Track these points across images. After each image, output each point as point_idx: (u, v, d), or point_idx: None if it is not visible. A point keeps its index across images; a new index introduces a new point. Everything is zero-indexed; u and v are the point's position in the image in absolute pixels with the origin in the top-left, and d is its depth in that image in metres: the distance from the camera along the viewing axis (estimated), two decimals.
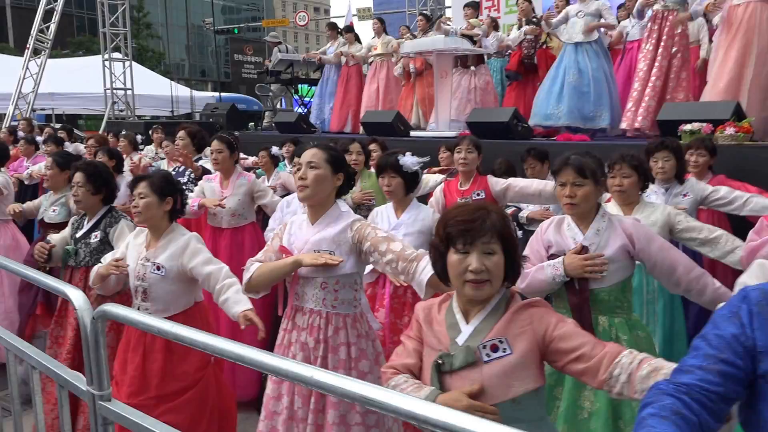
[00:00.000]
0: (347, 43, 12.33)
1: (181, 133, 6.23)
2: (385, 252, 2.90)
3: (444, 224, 2.18)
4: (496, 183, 5.08)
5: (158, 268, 3.53)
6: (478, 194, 5.04)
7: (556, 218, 3.36)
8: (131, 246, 3.73)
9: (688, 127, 5.98)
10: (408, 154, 4.31)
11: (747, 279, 2.65)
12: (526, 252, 3.26)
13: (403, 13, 22.45)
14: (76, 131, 14.90)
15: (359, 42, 12.45)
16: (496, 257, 2.12)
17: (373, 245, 2.93)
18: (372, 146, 6.42)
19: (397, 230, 4.21)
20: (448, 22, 11.10)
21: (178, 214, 3.78)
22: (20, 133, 10.85)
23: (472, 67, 10.00)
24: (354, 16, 22.11)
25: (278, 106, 15.50)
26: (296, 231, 3.12)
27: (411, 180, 4.31)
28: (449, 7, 19.39)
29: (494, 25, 10.75)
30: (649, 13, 7.92)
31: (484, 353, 2.11)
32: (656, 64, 7.70)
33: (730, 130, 5.75)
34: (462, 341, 2.16)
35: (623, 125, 7.93)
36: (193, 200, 5.22)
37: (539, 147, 5.97)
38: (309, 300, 3.01)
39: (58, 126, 14.09)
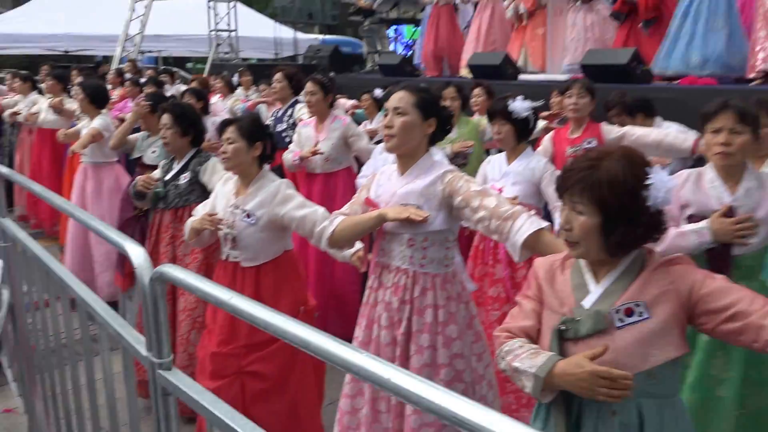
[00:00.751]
0: None
1: (278, 75, 6.17)
2: (478, 208, 2.63)
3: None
4: (610, 131, 4.82)
5: (248, 216, 3.41)
6: (589, 142, 4.80)
7: (693, 173, 2.98)
8: (219, 194, 3.63)
9: None
10: (519, 98, 4.07)
11: None
12: None
13: None
14: (183, 73, 15.15)
15: None
16: (582, 219, 1.90)
17: (464, 200, 2.67)
18: (476, 91, 6.22)
19: (507, 178, 4.11)
20: None
21: (268, 159, 3.63)
22: (126, 75, 11.06)
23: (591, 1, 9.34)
24: None
25: (384, 48, 15.21)
26: (385, 182, 2.90)
27: (522, 126, 4.10)
28: None
29: None
30: None
31: (617, 318, 1.89)
32: None
33: None
34: (590, 304, 1.95)
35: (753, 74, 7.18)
36: (294, 153, 5.20)
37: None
38: (395, 257, 2.79)
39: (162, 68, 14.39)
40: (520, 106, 4.03)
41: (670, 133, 4.79)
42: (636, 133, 4.73)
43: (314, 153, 5.10)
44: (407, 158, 2.83)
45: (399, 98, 2.79)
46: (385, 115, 2.81)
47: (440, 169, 2.79)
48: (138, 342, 2.00)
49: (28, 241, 3.03)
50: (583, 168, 1.91)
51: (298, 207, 3.37)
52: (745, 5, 8.06)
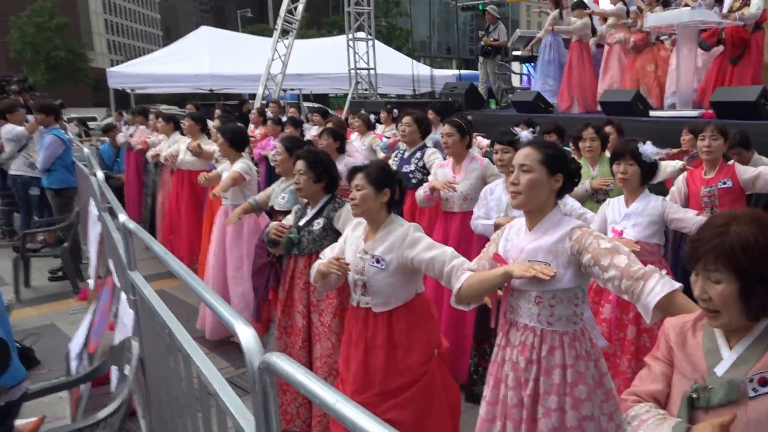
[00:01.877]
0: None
1: (407, 119, 6.27)
2: (608, 267, 2.56)
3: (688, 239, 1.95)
4: (745, 171, 4.92)
5: (377, 261, 3.44)
6: (724, 183, 4.92)
7: None
8: (349, 239, 3.68)
9: None
10: (649, 143, 4.11)
11: None
12: None
13: None
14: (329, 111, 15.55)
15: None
16: (720, 287, 1.84)
17: (594, 258, 2.60)
18: (607, 128, 6.18)
19: (627, 220, 4.16)
20: None
21: (397, 205, 3.66)
22: (268, 113, 11.44)
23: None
24: None
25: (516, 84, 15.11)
26: (513, 237, 2.87)
27: (648, 169, 4.15)
28: None
29: None
30: None
31: (751, 387, 1.81)
32: None
33: None
34: (722, 372, 1.87)
35: None
36: (425, 186, 5.26)
37: None
38: (523, 314, 2.75)
39: (308, 105, 14.78)
40: (650, 149, 4.09)
41: None
42: None
43: (449, 186, 5.11)
44: (535, 214, 2.81)
45: (525, 155, 2.78)
46: (512, 172, 2.80)
47: (569, 225, 2.74)
48: (247, 423, 1.97)
49: (152, 297, 3.12)
50: (714, 236, 1.85)
51: (427, 249, 3.38)
52: None
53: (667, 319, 2.12)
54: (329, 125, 8.05)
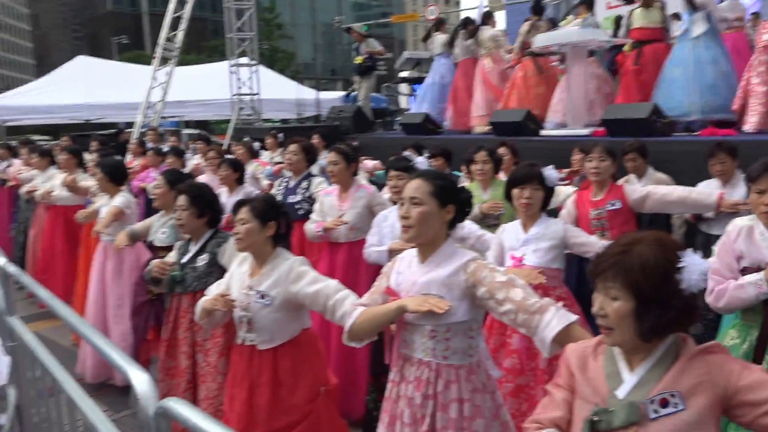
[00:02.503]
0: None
1: (293, 147, 6.20)
2: (504, 300, 2.57)
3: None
4: (633, 191, 4.95)
5: (262, 297, 3.39)
6: (613, 204, 4.94)
7: (745, 227, 3.19)
8: (235, 275, 3.61)
9: None
10: (551, 167, 4.13)
11: None
12: (714, 264, 3.18)
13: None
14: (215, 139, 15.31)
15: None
16: (617, 304, 1.89)
17: (489, 291, 2.60)
18: (501, 150, 6.23)
19: (527, 245, 4.06)
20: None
21: (283, 238, 3.61)
22: (148, 144, 11.17)
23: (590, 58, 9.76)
24: (485, 7, 21.69)
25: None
26: (405, 270, 2.84)
27: (550, 194, 4.16)
28: None
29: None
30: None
31: (651, 409, 1.85)
32: None
33: None
34: (623, 394, 1.91)
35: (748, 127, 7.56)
36: (317, 224, 5.20)
37: (730, 141, 5.62)
38: (417, 349, 2.71)
39: (189, 132, 14.49)
40: (553, 174, 4.09)
41: (694, 189, 4.94)
42: (659, 191, 4.86)
43: (339, 224, 5.06)
44: (427, 246, 2.78)
45: (415, 187, 2.76)
46: (402, 205, 2.77)
47: (463, 258, 2.73)
48: None
49: (33, 342, 2.99)
50: (616, 253, 1.90)
51: (311, 283, 3.36)
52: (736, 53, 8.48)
53: (569, 345, 2.15)
54: (211, 153, 7.94)
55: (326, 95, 19.58)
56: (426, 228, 2.73)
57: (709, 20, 8.35)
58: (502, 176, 5.91)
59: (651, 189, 4.93)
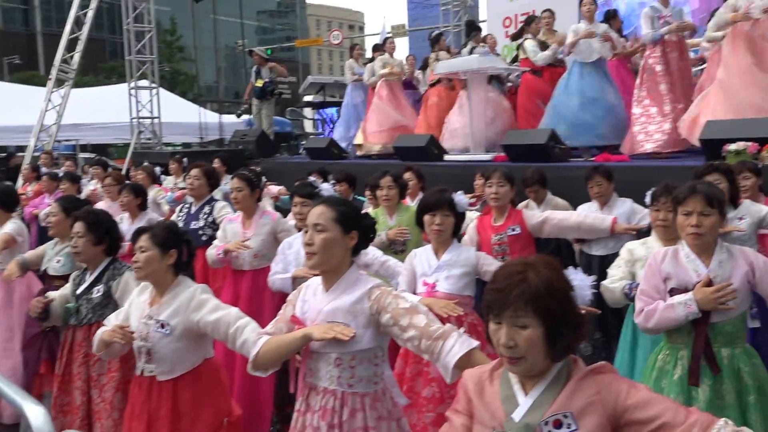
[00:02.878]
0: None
1: (195, 172, 6.11)
2: (407, 327, 2.59)
3: (487, 287, 2.01)
4: (532, 217, 5.05)
5: (162, 326, 3.30)
6: (513, 229, 5.00)
7: (670, 249, 3.30)
8: (134, 304, 3.51)
9: (732, 147, 5.79)
10: (460, 192, 4.14)
11: None
12: (642, 285, 3.27)
13: (437, 29, 22.24)
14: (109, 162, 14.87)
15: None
16: (528, 332, 1.89)
17: (393, 318, 2.62)
18: (407, 175, 6.27)
19: (439, 272, 4.06)
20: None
21: (184, 266, 3.53)
22: (42, 169, 10.78)
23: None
24: (388, 34, 21.97)
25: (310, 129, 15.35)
26: (310, 298, 2.83)
27: (461, 220, 4.18)
28: (484, 21, 19.19)
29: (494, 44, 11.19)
30: (657, 36, 7.99)
31: (546, 430, 1.90)
32: (667, 85, 7.82)
33: None
34: (519, 417, 1.94)
35: (635, 148, 7.97)
36: (218, 248, 5.11)
37: (606, 165, 5.89)
38: (323, 377, 2.70)
39: (86, 156, 14.03)
40: (463, 199, 4.11)
41: (588, 215, 5.18)
42: (557, 217, 5.03)
43: (241, 247, 4.99)
44: (332, 273, 2.78)
45: (318, 214, 2.76)
46: (306, 232, 2.77)
47: (367, 285, 2.74)
48: None
49: None
50: (517, 282, 1.90)
51: (212, 311, 3.30)
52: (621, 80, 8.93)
53: (466, 371, 2.17)
54: (108, 179, 7.72)
55: (229, 119, 19.32)
56: (330, 255, 2.73)
57: (599, 48, 8.72)
58: (408, 201, 5.97)
59: (549, 214, 5.07)
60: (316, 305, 2.78)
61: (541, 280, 1.89)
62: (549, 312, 1.88)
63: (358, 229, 2.80)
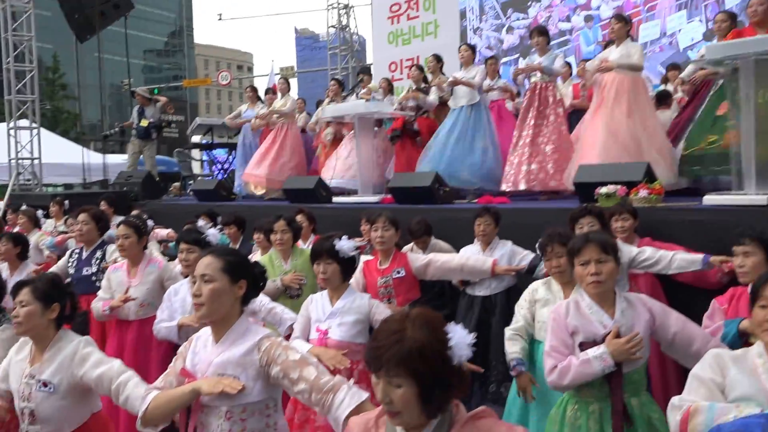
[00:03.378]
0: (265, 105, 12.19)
1: (83, 216, 5.98)
2: (297, 380, 2.62)
3: (368, 343, 2.06)
4: (416, 259, 5.19)
5: (45, 385, 3.21)
6: (399, 272, 5.12)
7: (571, 302, 3.30)
8: (13, 363, 3.40)
9: (604, 189, 6.03)
10: (344, 237, 4.14)
11: (700, 371, 2.55)
12: (551, 341, 3.24)
13: (325, 72, 22.55)
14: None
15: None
16: (401, 390, 1.96)
17: (283, 371, 2.65)
18: (299, 217, 6.29)
19: (333, 318, 4.08)
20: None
21: (67, 319, 3.46)
22: None
23: (375, 129, 10.25)
24: (277, 75, 22.11)
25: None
26: (201, 350, 2.83)
27: (348, 265, 4.14)
28: (371, 63, 19.60)
29: (390, 88, 11.23)
30: (527, 83, 8.50)
31: None
32: (533, 129, 8.19)
33: (643, 192, 5.82)
34: None
35: (506, 187, 8.31)
36: (103, 303, 4.99)
37: (494, 207, 6.02)
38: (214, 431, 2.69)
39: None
40: (346, 245, 4.08)
41: (470, 257, 5.35)
42: (440, 259, 5.19)
43: (125, 300, 4.91)
44: (221, 324, 2.78)
45: (206, 264, 2.76)
46: (194, 282, 2.77)
47: (257, 336, 2.75)
48: None
49: None
50: (392, 342, 1.96)
51: (95, 365, 3.24)
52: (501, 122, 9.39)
53: (352, 418, 2.22)
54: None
55: (114, 159, 18.86)
56: (218, 305, 2.73)
57: (478, 92, 9.12)
58: (301, 244, 5.99)
59: (432, 257, 5.23)
60: (206, 357, 2.77)
61: (416, 343, 1.94)
62: (421, 374, 1.93)
63: (246, 277, 2.81)
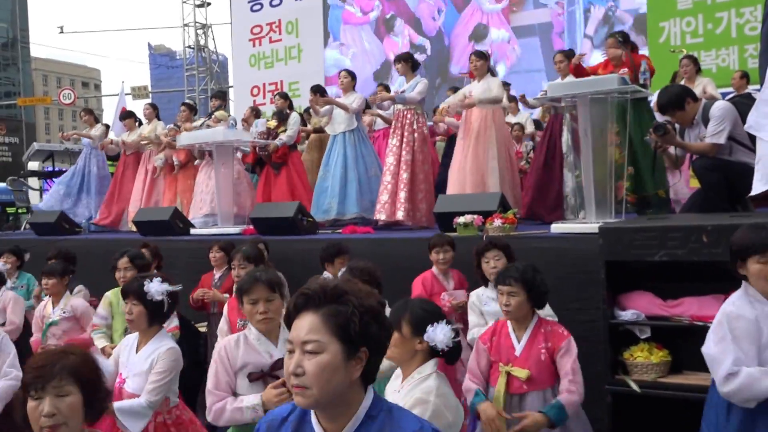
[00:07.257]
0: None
1: None
2: None
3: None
4: None
5: None
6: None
7: (241, 335, 3.61)
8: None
9: (461, 219, 6.62)
10: (157, 280, 3.98)
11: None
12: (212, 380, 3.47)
13: (182, 93, 22.63)
14: None
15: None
16: (70, 398, 2.33)
17: None
18: (145, 251, 6.34)
19: (131, 367, 3.97)
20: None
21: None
22: None
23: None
24: (128, 94, 21.88)
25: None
26: None
27: (155, 309, 3.95)
28: (232, 86, 19.91)
29: (256, 113, 11.76)
30: (391, 110, 9.45)
31: None
32: (403, 158, 8.88)
33: (497, 222, 6.43)
34: None
35: (380, 216, 8.87)
36: None
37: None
38: None
39: None
40: (155, 287, 3.92)
41: None
42: None
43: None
44: None
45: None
46: None
47: None
48: None
49: None
50: (51, 362, 2.38)
51: None
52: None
53: None
54: None
55: None
56: None
57: (356, 119, 9.69)
58: None
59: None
60: None
61: (78, 357, 2.42)
62: (87, 382, 2.40)
63: None
